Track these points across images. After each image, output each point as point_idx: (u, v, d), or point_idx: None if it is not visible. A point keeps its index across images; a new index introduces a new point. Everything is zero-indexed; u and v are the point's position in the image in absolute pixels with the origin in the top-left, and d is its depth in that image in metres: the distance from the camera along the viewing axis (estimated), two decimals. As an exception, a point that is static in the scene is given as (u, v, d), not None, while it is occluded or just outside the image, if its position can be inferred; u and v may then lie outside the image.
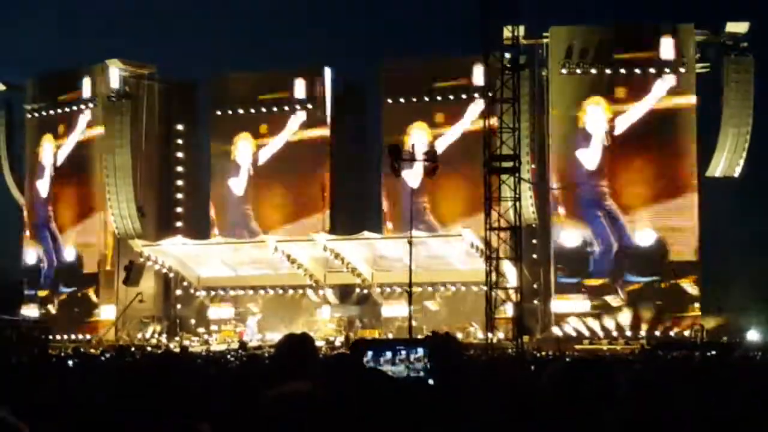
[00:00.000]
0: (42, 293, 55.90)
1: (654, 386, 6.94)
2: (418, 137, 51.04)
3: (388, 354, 3.69)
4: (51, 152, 56.65)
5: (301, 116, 54.99)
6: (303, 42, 77.71)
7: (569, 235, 48.29)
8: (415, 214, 40.38)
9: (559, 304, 47.85)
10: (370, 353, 3.63)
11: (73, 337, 50.79)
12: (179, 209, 57.30)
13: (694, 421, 6.96)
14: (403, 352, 3.73)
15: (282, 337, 5.88)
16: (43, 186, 56.95)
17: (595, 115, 48.70)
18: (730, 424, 6.57)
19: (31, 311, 54.72)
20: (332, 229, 51.58)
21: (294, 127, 54.95)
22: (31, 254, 57.28)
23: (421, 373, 3.73)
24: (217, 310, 53.24)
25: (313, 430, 2.71)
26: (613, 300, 47.43)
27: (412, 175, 43.69)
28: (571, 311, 47.52)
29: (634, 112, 48.59)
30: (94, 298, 54.36)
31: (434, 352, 3.78)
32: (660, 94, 48.32)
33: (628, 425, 5.14)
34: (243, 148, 55.87)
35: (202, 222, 56.83)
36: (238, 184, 55.95)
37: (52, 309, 55.36)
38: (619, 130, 48.59)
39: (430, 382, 3.78)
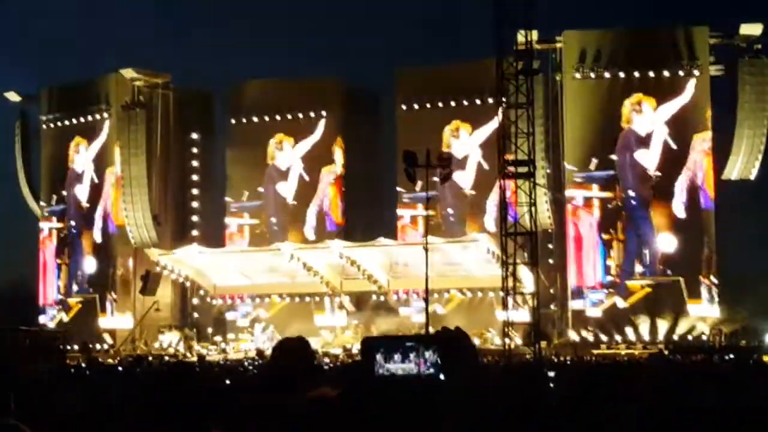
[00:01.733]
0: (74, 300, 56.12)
1: (672, 390, 6.93)
2: (432, 143, 50.96)
3: (399, 351, 3.67)
4: (81, 161, 56.73)
5: (316, 123, 55.08)
6: (318, 50, 77.78)
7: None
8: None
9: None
10: (379, 353, 3.61)
11: (90, 346, 50.84)
12: (195, 218, 57.39)
13: (710, 423, 6.93)
14: (413, 350, 3.71)
15: (277, 342, 5.80)
16: (82, 193, 56.91)
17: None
18: (745, 425, 6.54)
19: (49, 320, 55.02)
20: (348, 236, 51.57)
21: (310, 134, 55.02)
22: (51, 262, 57.48)
23: (432, 370, 3.72)
24: (234, 319, 53.34)
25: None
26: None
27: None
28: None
29: (656, 116, 48.41)
30: (109, 307, 54.56)
31: (444, 348, 3.77)
32: (687, 97, 48.04)
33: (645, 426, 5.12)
34: (258, 155, 55.96)
35: (218, 230, 56.92)
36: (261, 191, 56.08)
37: (67, 318, 55.48)
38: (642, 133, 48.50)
39: (441, 377, 3.76)
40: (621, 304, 47.42)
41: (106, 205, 55.53)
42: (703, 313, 46.55)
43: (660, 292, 47.18)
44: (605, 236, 48.20)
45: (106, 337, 53.16)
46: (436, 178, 42.58)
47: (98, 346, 51.42)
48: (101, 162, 55.83)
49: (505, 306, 37.32)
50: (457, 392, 3.60)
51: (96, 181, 56.01)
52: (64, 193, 57.29)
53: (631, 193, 48.20)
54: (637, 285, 47.61)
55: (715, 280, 47.19)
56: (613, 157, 48.32)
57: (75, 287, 56.45)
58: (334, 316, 50.94)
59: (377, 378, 3.64)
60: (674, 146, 47.95)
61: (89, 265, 55.84)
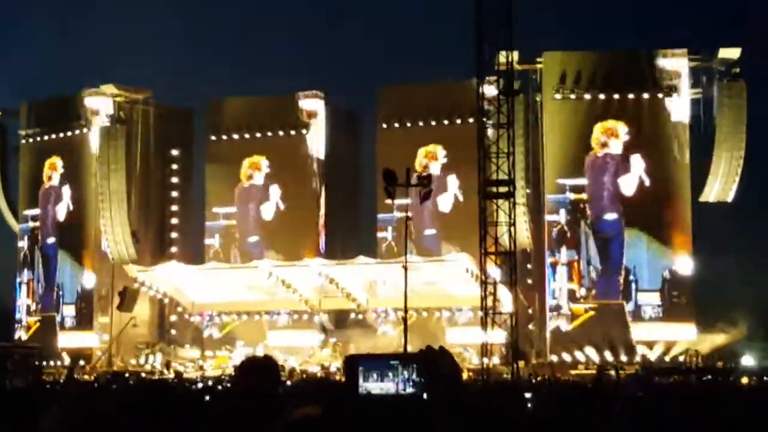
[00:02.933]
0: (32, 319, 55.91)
1: (651, 410, 6.98)
2: (412, 162, 51.04)
3: (380, 370, 3.65)
4: (59, 177, 56.53)
5: (296, 140, 55.05)
6: (299, 68, 77.92)
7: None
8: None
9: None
10: (360, 372, 3.59)
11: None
12: (174, 234, 57.20)
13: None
14: (393, 369, 3.69)
15: (243, 360, 5.75)
16: (60, 209, 56.64)
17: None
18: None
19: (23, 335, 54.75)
20: (328, 254, 51.52)
21: (288, 152, 54.92)
22: (25, 278, 57.22)
23: (414, 389, 3.70)
24: (211, 336, 53.18)
25: None
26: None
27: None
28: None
29: (629, 138, 48.76)
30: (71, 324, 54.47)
31: (427, 367, 3.77)
32: (665, 119, 48.43)
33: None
34: (238, 173, 55.92)
35: (196, 247, 56.76)
36: (229, 210, 55.97)
37: (25, 336, 55.19)
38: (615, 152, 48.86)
39: (425, 396, 3.76)
40: (564, 327, 47.78)
41: (83, 222, 55.29)
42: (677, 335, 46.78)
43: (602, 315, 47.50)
44: (551, 259, 48.58)
45: (64, 356, 52.60)
46: (408, 201, 42.68)
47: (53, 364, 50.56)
48: (80, 178, 55.58)
49: (484, 325, 37.32)
50: (441, 412, 3.61)
51: (74, 197, 55.75)
52: (38, 211, 56.99)
53: (606, 216, 48.46)
54: (580, 308, 47.97)
55: (692, 301, 47.44)
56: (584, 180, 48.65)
57: (33, 305, 56.41)
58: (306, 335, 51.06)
59: (360, 397, 3.65)
60: (649, 169, 48.26)
61: (68, 279, 55.59)
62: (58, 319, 55.46)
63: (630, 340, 46.48)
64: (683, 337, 46.60)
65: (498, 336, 38.39)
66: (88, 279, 55.02)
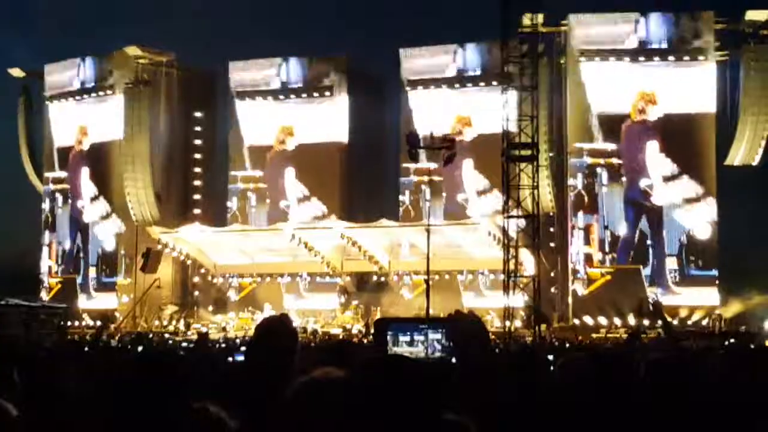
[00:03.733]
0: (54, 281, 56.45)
1: (674, 374, 6.94)
2: (436, 125, 50.89)
3: (409, 334, 3.64)
4: (81, 140, 56.76)
5: (319, 103, 55.02)
6: (322, 29, 77.64)
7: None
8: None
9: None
10: (389, 336, 3.58)
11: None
12: (197, 196, 57.42)
13: (715, 406, 6.95)
14: (422, 333, 3.67)
15: (260, 321, 5.79)
16: (84, 171, 56.94)
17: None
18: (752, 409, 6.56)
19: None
20: (350, 217, 51.60)
21: (313, 114, 54.93)
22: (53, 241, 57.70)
23: (441, 353, 3.69)
24: (234, 298, 53.50)
25: (350, 417, 2.71)
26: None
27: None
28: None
29: (661, 103, 48.42)
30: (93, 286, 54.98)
31: (456, 332, 3.75)
32: (693, 82, 48.05)
33: (647, 412, 5.14)
34: (261, 135, 55.99)
35: (220, 209, 56.98)
36: (252, 173, 56.08)
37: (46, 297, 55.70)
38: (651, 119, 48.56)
39: (453, 360, 3.75)
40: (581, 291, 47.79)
41: (108, 184, 55.63)
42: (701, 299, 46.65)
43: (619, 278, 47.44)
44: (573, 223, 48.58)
45: (86, 317, 53.05)
46: (434, 165, 42.61)
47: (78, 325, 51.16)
48: (106, 141, 55.78)
49: (506, 289, 37.43)
50: (471, 376, 3.60)
51: (98, 158, 56.07)
52: (63, 173, 57.38)
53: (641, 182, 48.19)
54: (596, 273, 47.89)
55: (716, 266, 47.30)
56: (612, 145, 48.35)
57: (55, 267, 57.08)
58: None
59: (387, 358, 3.64)
60: (677, 133, 47.95)
61: (95, 241, 56.03)
62: (80, 280, 56.00)
63: (649, 305, 46.32)
64: (706, 302, 46.48)
65: (520, 300, 38.50)
66: (111, 241, 55.44)
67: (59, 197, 57.62)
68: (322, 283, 52.51)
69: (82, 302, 55.01)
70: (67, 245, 56.99)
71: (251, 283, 53.54)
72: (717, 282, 47.13)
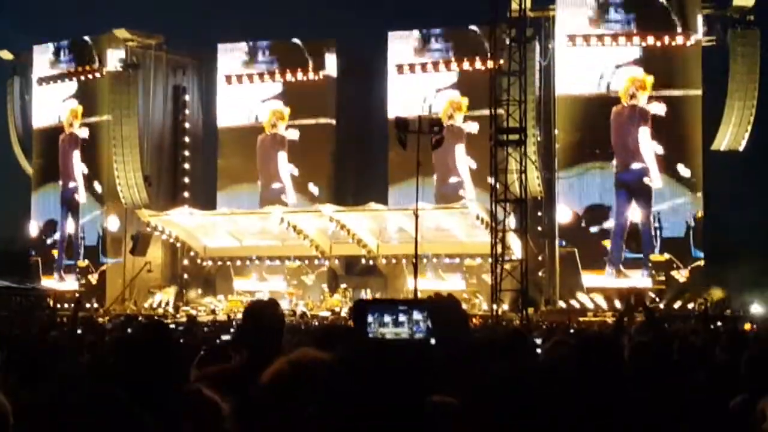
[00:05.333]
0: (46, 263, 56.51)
1: (658, 356, 7.15)
2: (425, 109, 50.96)
3: (390, 315, 3.75)
4: (77, 124, 56.71)
5: (307, 87, 54.96)
6: (310, 13, 77.50)
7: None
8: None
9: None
10: (372, 316, 3.69)
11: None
12: (186, 179, 57.43)
13: (701, 388, 7.16)
14: (406, 313, 3.79)
15: (248, 303, 5.97)
16: (74, 153, 56.89)
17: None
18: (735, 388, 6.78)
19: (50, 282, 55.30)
20: (339, 201, 51.72)
21: (302, 99, 54.85)
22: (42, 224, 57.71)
23: (423, 334, 3.81)
24: (222, 280, 53.68)
25: (334, 399, 2.84)
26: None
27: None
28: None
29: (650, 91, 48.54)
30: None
31: (435, 313, 3.88)
32: (678, 66, 48.19)
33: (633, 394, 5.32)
34: (251, 118, 55.98)
35: (209, 192, 57.05)
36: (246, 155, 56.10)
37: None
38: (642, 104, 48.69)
39: (432, 341, 3.88)
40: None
41: (97, 167, 55.60)
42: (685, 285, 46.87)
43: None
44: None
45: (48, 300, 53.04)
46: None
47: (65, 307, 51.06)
48: (95, 124, 55.75)
49: (493, 272, 37.65)
50: (449, 357, 3.76)
51: (87, 141, 56.02)
52: (52, 156, 57.35)
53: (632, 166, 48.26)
54: None
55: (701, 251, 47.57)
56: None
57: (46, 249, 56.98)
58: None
59: (369, 341, 3.79)
60: (664, 117, 48.07)
61: (92, 224, 56.08)
62: (70, 262, 56.05)
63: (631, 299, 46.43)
64: (690, 285, 46.70)
65: (508, 283, 38.72)
66: (101, 223, 55.48)
67: (50, 180, 57.44)
68: (313, 266, 52.73)
69: (71, 284, 54.87)
70: (60, 228, 56.82)
71: (242, 266, 53.65)
72: (703, 264, 47.36)
